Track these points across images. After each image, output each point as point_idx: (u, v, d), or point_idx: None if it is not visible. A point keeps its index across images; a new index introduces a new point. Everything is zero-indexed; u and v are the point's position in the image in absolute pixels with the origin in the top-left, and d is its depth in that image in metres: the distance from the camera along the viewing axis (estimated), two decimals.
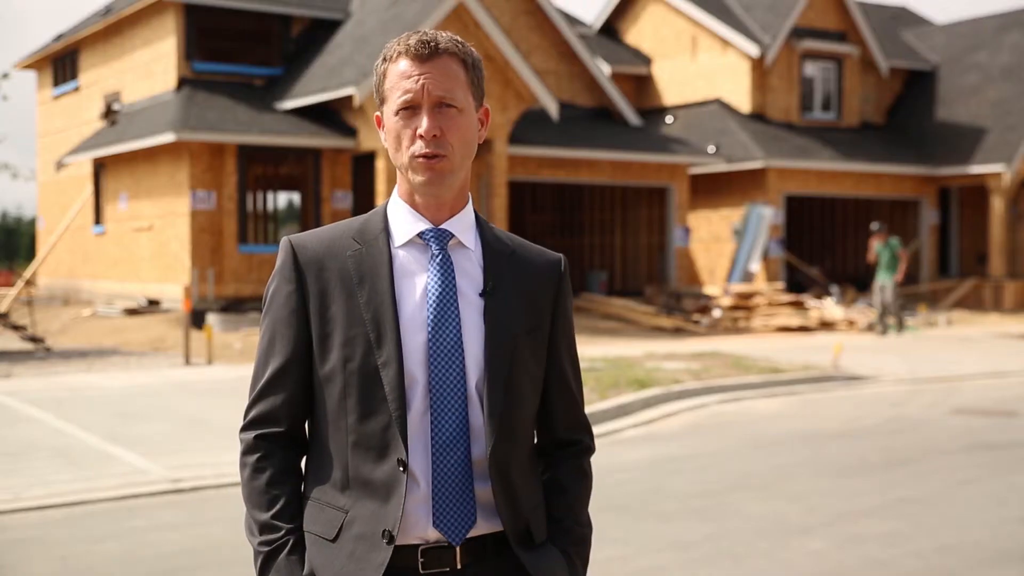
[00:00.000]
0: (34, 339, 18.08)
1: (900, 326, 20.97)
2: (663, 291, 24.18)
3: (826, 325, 22.52)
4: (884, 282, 20.52)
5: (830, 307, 23.70)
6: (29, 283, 25.17)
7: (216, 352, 16.17)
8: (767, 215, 25.93)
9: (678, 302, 23.54)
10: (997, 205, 28.37)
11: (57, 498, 7.51)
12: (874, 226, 21.17)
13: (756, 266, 25.78)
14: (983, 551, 6.35)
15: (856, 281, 29.89)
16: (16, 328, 18.77)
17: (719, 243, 27.65)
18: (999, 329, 22.89)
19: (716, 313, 22.62)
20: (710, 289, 25.20)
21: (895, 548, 6.39)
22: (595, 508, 6.93)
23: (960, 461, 9.04)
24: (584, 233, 28.60)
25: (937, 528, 6.82)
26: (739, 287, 23.94)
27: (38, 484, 7.87)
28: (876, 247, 20.86)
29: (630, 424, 10.93)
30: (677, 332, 21.12)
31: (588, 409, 10.92)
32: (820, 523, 6.98)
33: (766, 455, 9.36)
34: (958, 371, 15.30)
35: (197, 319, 19.00)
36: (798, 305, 23.24)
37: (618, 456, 9.22)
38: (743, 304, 23.07)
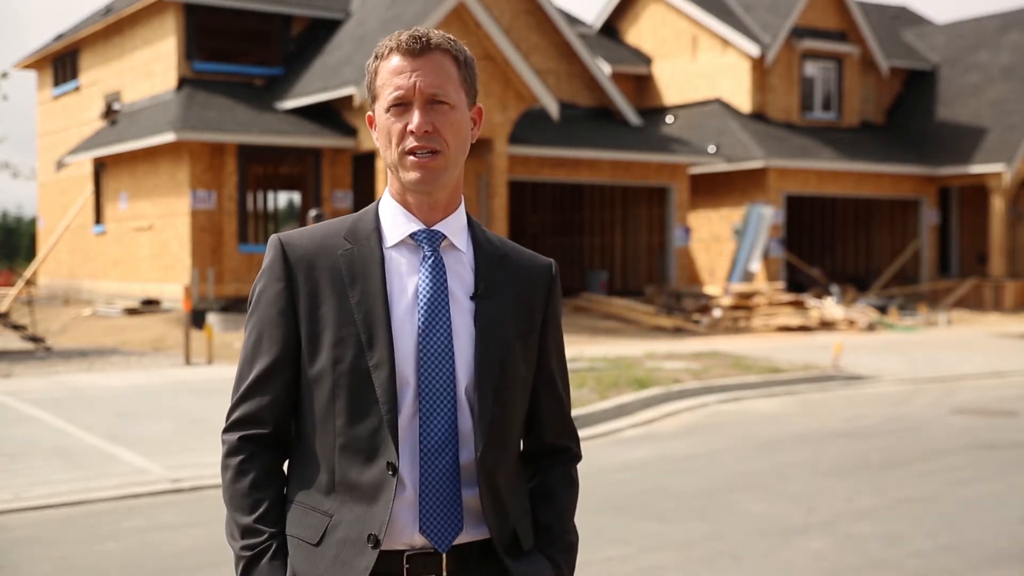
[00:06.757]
0: (34, 339, 18.08)
1: None
2: (663, 291, 24.17)
3: (826, 325, 22.52)
4: None
5: (830, 307, 23.69)
6: (29, 283, 25.16)
7: (216, 352, 16.17)
8: (767, 215, 25.91)
9: (678, 302, 23.53)
10: (997, 205, 28.36)
11: (57, 498, 7.51)
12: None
13: (756, 266, 25.76)
14: (983, 551, 6.35)
15: (856, 281, 29.91)
16: (16, 328, 18.77)
17: (719, 243, 27.64)
18: (999, 329, 22.89)
19: (716, 313, 22.62)
20: (710, 289, 25.19)
21: (895, 548, 6.39)
22: (595, 508, 6.96)
23: (960, 461, 9.04)
24: (584, 233, 28.60)
25: (937, 528, 6.82)
26: (739, 287, 23.93)
27: (38, 484, 7.86)
28: None
29: (630, 424, 10.92)
30: (677, 332, 21.11)
31: (588, 409, 10.93)
32: (820, 523, 6.97)
33: (766, 455, 9.36)
34: (958, 371, 15.30)
35: (197, 319, 19.00)
36: (798, 305, 23.23)
37: (618, 456, 9.20)
38: (743, 304, 23.06)
